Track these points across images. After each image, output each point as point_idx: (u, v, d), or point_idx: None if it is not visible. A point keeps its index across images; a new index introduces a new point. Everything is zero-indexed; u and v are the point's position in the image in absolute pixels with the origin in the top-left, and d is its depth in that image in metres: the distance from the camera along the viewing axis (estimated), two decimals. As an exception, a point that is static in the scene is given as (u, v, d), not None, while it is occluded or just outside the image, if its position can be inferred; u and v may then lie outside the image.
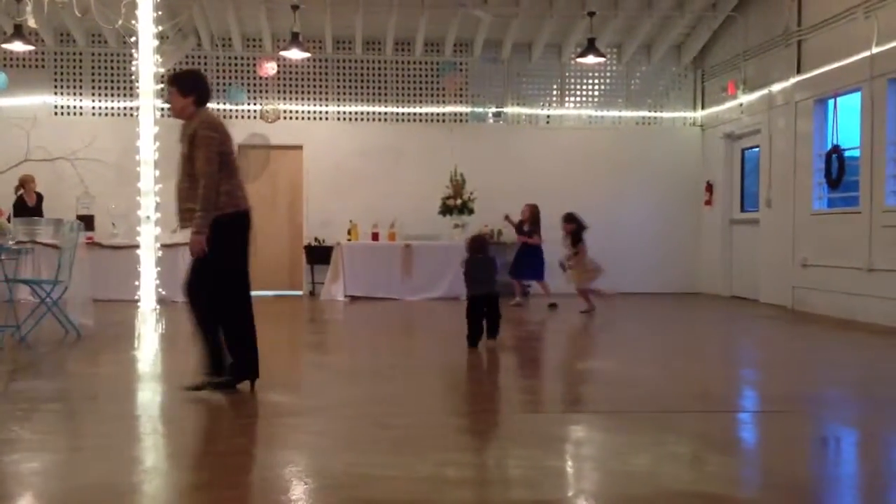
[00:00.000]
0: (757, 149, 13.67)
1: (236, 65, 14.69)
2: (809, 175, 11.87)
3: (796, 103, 12.21)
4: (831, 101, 11.54)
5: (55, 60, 14.37)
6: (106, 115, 14.39)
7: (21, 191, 13.10)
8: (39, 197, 13.26)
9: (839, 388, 6.59)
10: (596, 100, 15.41)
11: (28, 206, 12.99)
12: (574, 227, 11.92)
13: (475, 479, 4.01)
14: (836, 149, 11.14)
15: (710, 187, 15.01)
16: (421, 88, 15.03)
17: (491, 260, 8.52)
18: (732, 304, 13.38)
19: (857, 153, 10.86)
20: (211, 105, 15.42)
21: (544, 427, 5.01)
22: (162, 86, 12.57)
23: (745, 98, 13.74)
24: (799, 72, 12.17)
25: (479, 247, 8.61)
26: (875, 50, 10.34)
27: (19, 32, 12.24)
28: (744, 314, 12.01)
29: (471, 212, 14.06)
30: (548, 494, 3.72)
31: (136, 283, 11.89)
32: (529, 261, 12.88)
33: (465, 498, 3.70)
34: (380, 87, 14.93)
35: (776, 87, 12.79)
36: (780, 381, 6.82)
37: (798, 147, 12.15)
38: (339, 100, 14.83)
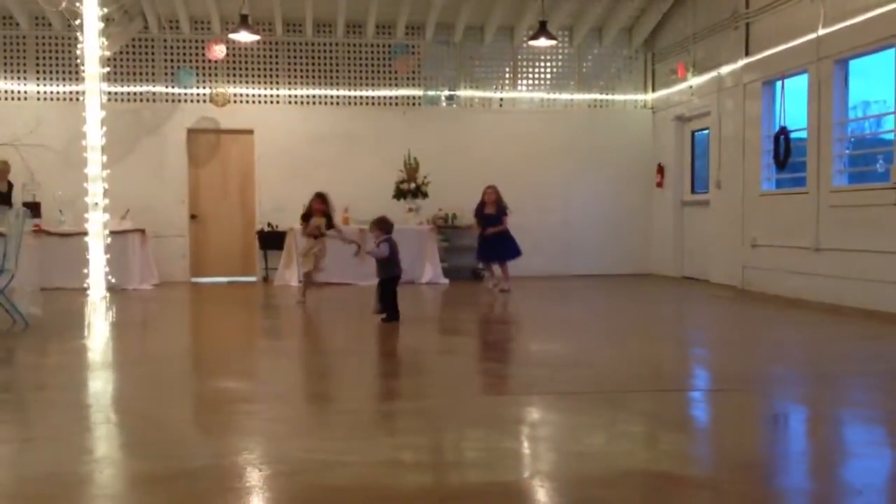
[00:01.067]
0: (707, 131, 13.82)
1: (184, 48, 14.46)
2: (758, 156, 12.03)
3: (744, 85, 12.36)
4: (779, 83, 11.69)
5: (-3, 44, 14.03)
6: (51, 99, 14.09)
7: None
8: (10, 185, 12.98)
9: (789, 366, 6.70)
10: (548, 83, 15.45)
11: None
12: (325, 209, 10.85)
13: (431, 462, 4.02)
14: (784, 130, 11.30)
15: (661, 169, 15.15)
16: (373, 71, 14.94)
17: (395, 242, 8.98)
18: (683, 285, 13.54)
19: (804, 134, 11.02)
20: (160, 89, 15.14)
21: (499, 409, 5.03)
22: (108, 69, 12.36)
23: (695, 80, 13.87)
24: (747, 54, 12.30)
25: (390, 228, 9.00)
26: (821, 32, 10.49)
27: (-41, 15, 11.94)
28: (694, 294, 12.17)
29: (425, 195, 14.05)
30: (503, 476, 3.74)
31: (85, 270, 11.69)
32: (502, 243, 12.44)
33: (422, 481, 3.70)
34: (331, 71, 14.81)
35: (725, 70, 12.93)
36: (731, 359, 6.92)
37: (746, 128, 12.30)
38: (289, 83, 14.69)
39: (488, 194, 12.60)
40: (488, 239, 12.40)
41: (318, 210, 10.59)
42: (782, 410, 5.27)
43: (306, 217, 10.75)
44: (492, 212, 12.45)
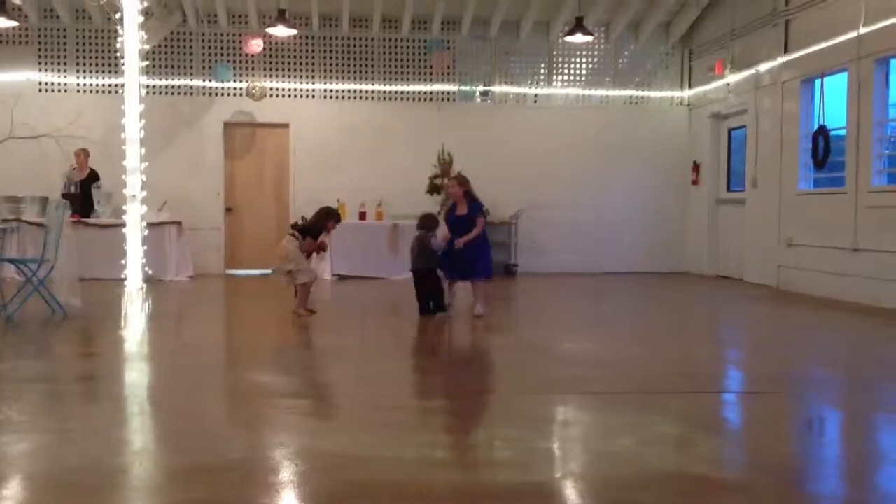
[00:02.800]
0: (744, 128, 13.69)
1: (222, 42, 14.57)
2: (795, 155, 11.91)
3: (783, 83, 12.23)
4: (818, 81, 11.56)
5: (39, 36, 14.22)
6: (91, 91, 14.27)
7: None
8: (91, 173, 13.33)
9: (824, 369, 6.65)
10: (584, 79, 15.38)
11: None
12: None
13: (464, 461, 4.04)
14: (823, 129, 11.18)
15: (696, 167, 15.04)
16: (408, 66, 14.96)
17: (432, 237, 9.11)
18: (718, 284, 13.44)
19: (843, 133, 10.90)
20: (197, 83, 15.26)
21: (531, 408, 5.03)
22: (147, 63, 12.49)
23: (732, 78, 13.75)
24: (786, 52, 12.18)
25: (432, 224, 9.18)
26: (862, 30, 10.36)
27: (2, 8, 12.08)
28: (729, 294, 12.08)
29: (458, 191, 14.04)
30: (536, 476, 3.75)
31: (123, 262, 11.84)
32: (472, 255, 8.99)
33: (455, 479, 3.72)
34: (367, 65, 14.86)
35: (763, 67, 12.80)
36: (766, 361, 6.88)
37: (784, 127, 12.18)
38: (325, 78, 14.75)
39: (451, 186, 9.40)
40: (457, 250, 8.91)
41: (330, 229, 9.54)
42: (818, 414, 5.23)
43: (314, 232, 9.26)
44: (463, 212, 9.09)
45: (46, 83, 14.23)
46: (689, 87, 15.41)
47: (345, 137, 14.60)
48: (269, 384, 5.79)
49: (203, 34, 14.49)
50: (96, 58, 14.28)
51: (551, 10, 14.51)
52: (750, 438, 4.63)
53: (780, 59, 12.28)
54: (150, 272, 12.18)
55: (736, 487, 3.68)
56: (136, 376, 6.13)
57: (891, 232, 9.83)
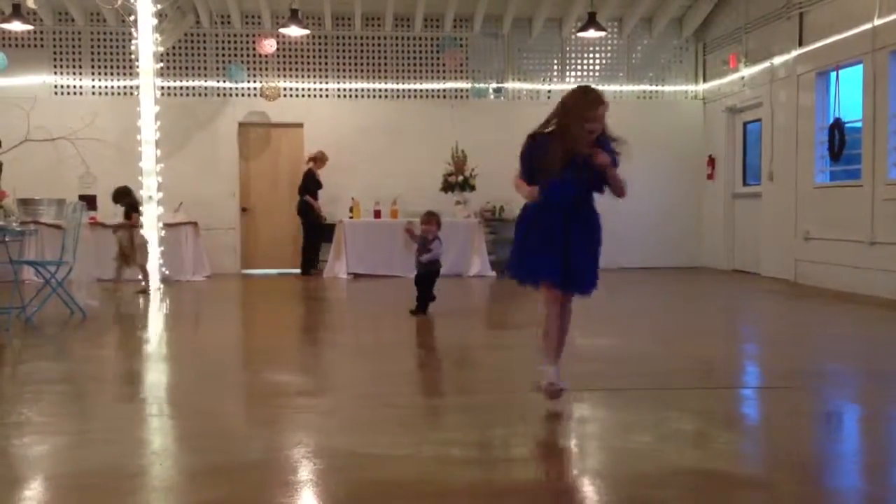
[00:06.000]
0: (759, 122, 13.63)
1: (236, 43, 14.62)
2: (811, 148, 11.85)
3: (798, 76, 12.17)
4: (833, 74, 11.50)
5: (54, 40, 14.31)
6: (106, 94, 14.35)
7: (311, 164, 13.90)
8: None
9: (843, 363, 6.61)
10: (597, 74, 15.35)
11: (318, 181, 13.83)
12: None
13: (481, 459, 4.04)
14: (838, 122, 11.12)
15: (712, 161, 14.98)
16: (421, 64, 14.97)
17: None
18: (734, 278, 13.39)
19: (859, 126, 10.84)
20: (211, 84, 15.28)
21: (547, 405, 5.02)
22: (161, 65, 12.55)
23: (747, 71, 13.69)
24: (800, 44, 12.11)
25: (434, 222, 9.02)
26: (877, 22, 10.29)
27: (17, 12, 12.20)
28: (746, 288, 12.03)
29: (472, 188, 14.05)
30: (553, 473, 3.75)
31: (140, 262, 11.90)
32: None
33: (472, 477, 3.73)
34: (380, 64, 14.88)
35: (778, 60, 12.74)
36: (784, 356, 6.85)
37: (800, 120, 12.12)
38: (338, 77, 14.78)
39: (601, 115, 4.99)
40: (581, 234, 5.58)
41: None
42: (836, 409, 5.21)
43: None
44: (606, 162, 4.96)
45: (62, 86, 14.32)
46: (704, 80, 15.35)
47: (358, 136, 14.62)
48: (287, 383, 5.81)
49: (216, 35, 14.55)
50: (111, 60, 14.36)
51: (563, 6, 14.48)
52: (768, 434, 4.62)
53: (795, 52, 12.21)
54: (167, 273, 12.24)
55: (755, 483, 3.67)
56: (155, 377, 6.17)
57: (908, 224, 9.77)
